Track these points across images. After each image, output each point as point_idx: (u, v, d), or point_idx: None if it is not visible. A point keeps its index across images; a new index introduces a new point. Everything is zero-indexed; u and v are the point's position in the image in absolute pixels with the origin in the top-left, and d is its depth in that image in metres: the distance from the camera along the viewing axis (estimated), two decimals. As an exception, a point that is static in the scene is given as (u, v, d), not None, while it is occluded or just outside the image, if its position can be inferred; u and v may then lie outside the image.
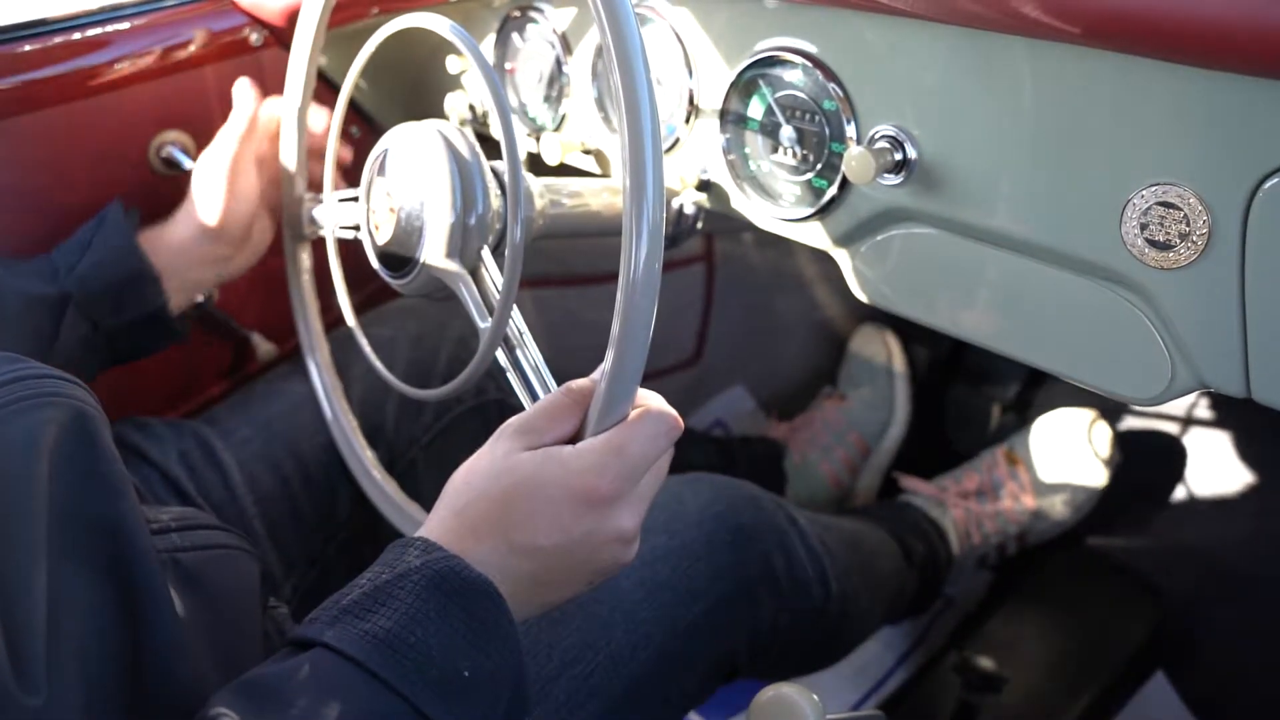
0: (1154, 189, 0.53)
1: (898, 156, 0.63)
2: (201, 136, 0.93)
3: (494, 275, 0.64)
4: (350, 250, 0.76)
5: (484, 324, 0.61)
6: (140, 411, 0.87)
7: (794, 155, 0.71)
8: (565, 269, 1.35)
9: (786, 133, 0.70)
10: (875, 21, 0.63)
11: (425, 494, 0.69)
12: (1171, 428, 1.25)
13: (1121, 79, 0.53)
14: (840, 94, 0.66)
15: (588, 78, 0.83)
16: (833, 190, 0.68)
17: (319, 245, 0.87)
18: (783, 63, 0.69)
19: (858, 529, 1.03)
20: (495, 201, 0.65)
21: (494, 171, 0.66)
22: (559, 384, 0.56)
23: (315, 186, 0.83)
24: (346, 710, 0.43)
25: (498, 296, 0.60)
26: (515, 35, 0.88)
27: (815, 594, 0.85)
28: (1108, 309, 0.58)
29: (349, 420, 0.83)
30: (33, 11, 0.83)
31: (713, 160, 0.76)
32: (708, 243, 1.45)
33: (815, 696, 0.53)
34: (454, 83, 0.91)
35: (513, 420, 0.54)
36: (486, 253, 0.64)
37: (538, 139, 0.84)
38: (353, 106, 1.04)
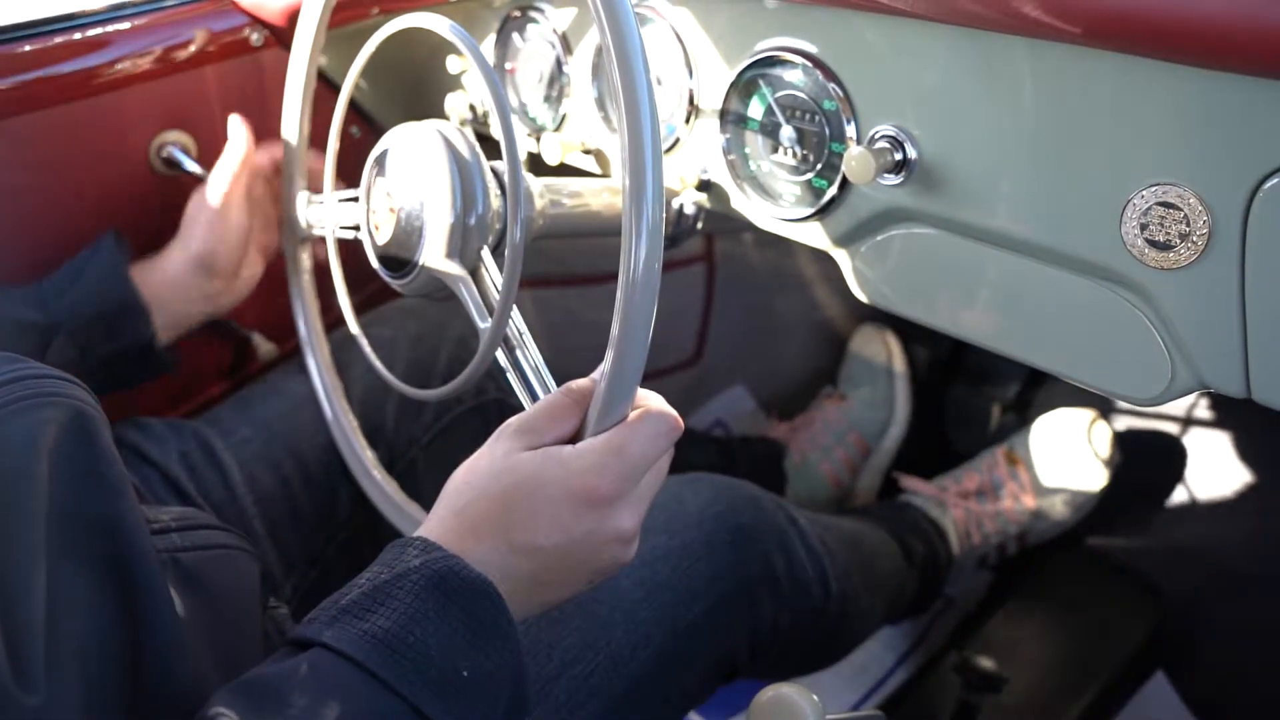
0: (1154, 189, 0.53)
1: (898, 156, 0.63)
2: (202, 136, 0.93)
3: (494, 275, 0.64)
4: (350, 250, 0.76)
5: (484, 324, 0.61)
6: (140, 411, 0.87)
7: (794, 155, 0.71)
8: (565, 269, 1.35)
9: (786, 133, 0.70)
10: (875, 21, 0.63)
11: (425, 494, 0.69)
12: (1171, 428, 1.25)
13: (1121, 79, 0.53)
14: (840, 94, 0.66)
15: (588, 78, 0.83)
16: (833, 190, 0.68)
17: (319, 245, 0.87)
18: (783, 63, 0.69)
19: (858, 529, 1.03)
20: (495, 201, 0.65)
21: (494, 171, 0.66)
22: (559, 384, 0.56)
23: (315, 187, 0.84)
24: (345, 710, 0.43)
25: (498, 297, 0.60)
26: (515, 35, 0.88)
27: (815, 594, 0.85)
28: (1108, 309, 0.58)
29: (349, 420, 0.83)
30: (33, 11, 0.83)
31: (713, 160, 0.76)
32: (708, 243, 1.45)
33: (815, 696, 0.53)
34: (454, 83, 0.91)
35: (513, 420, 0.54)
36: (486, 253, 0.64)
37: (538, 139, 0.84)
38: (353, 106, 1.04)
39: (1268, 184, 0.49)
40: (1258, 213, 0.50)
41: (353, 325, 0.75)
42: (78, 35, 0.84)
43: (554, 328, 1.29)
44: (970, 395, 1.41)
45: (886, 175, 0.64)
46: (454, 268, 0.63)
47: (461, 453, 0.55)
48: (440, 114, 0.86)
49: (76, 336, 0.77)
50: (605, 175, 0.86)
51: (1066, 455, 1.21)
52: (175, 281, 0.83)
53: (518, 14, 0.87)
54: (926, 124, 0.62)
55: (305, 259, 0.86)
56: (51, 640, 0.44)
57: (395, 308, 1.00)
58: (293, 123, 0.82)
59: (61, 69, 0.83)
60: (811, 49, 0.67)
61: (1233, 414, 1.20)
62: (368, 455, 0.81)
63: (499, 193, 0.65)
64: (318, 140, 0.85)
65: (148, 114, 0.89)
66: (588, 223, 0.76)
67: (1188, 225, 0.52)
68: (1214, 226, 0.51)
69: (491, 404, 0.96)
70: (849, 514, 1.17)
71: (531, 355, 0.61)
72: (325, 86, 0.87)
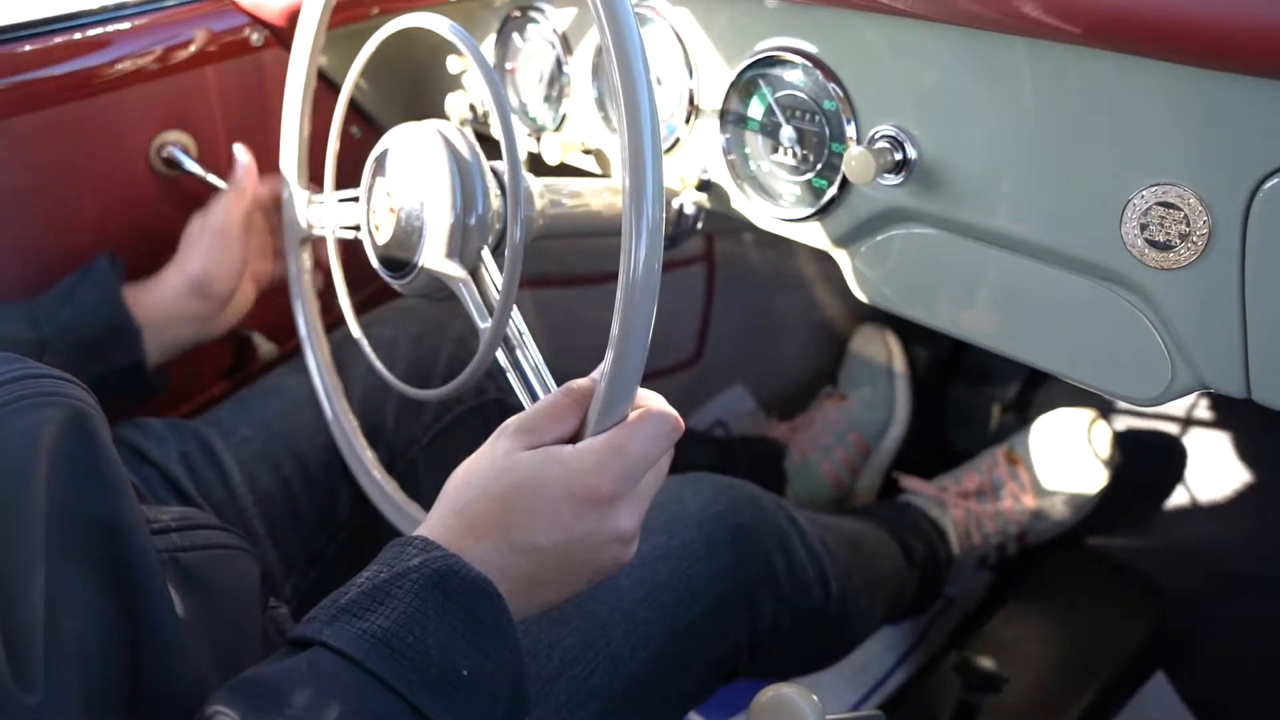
0: (1154, 189, 0.53)
1: (898, 156, 0.63)
2: (202, 136, 0.93)
3: (494, 275, 0.64)
4: (350, 250, 0.76)
5: (484, 324, 0.61)
6: (140, 411, 0.87)
7: (794, 155, 0.71)
8: (565, 269, 1.35)
9: (786, 133, 0.70)
10: (875, 21, 0.63)
11: (425, 494, 0.69)
12: (1171, 428, 1.25)
13: (1121, 79, 0.53)
14: (840, 94, 0.66)
15: (588, 78, 0.83)
16: (833, 190, 0.68)
17: (319, 245, 0.87)
18: (783, 63, 0.69)
19: (858, 529, 1.03)
20: (495, 201, 0.65)
21: (494, 171, 0.66)
22: (559, 384, 0.56)
23: (315, 186, 0.84)
24: (345, 709, 0.43)
25: (498, 297, 0.60)
26: (515, 35, 0.88)
27: (815, 594, 0.85)
28: (1108, 309, 0.58)
29: (349, 420, 0.82)
30: (33, 11, 0.83)
31: (713, 160, 0.76)
32: (708, 243, 1.45)
33: (815, 696, 0.53)
34: (454, 83, 0.91)
35: (513, 420, 0.54)
36: (486, 253, 0.64)
37: (538, 139, 0.84)
38: (353, 106, 1.04)
39: (1268, 184, 0.49)
40: (1258, 213, 0.50)
41: (353, 325, 0.75)
42: (78, 35, 0.84)
43: (554, 328, 1.29)
44: (970, 395, 1.41)
45: (886, 175, 0.64)
46: (454, 268, 0.63)
47: (462, 452, 0.55)
48: (440, 114, 0.86)
49: (67, 355, 0.77)
50: (605, 175, 0.86)
51: (1066, 455, 1.21)
52: (168, 303, 0.84)
53: (518, 14, 0.87)
54: (926, 124, 0.62)
55: (305, 259, 0.86)
56: (51, 640, 0.44)
57: (395, 308, 1.00)
58: (293, 123, 0.81)
59: (61, 69, 0.83)
60: (811, 49, 0.67)
61: (1233, 414, 1.20)
62: (368, 455, 0.81)
63: (499, 193, 0.65)
64: (318, 140, 0.85)
65: (148, 114, 0.89)
66: (588, 223, 0.76)
67: (1188, 225, 0.52)
68: (1214, 226, 0.51)
69: (491, 404, 0.96)
70: (849, 514, 1.17)
71: (531, 355, 0.61)
72: (325, 86, 0.87)
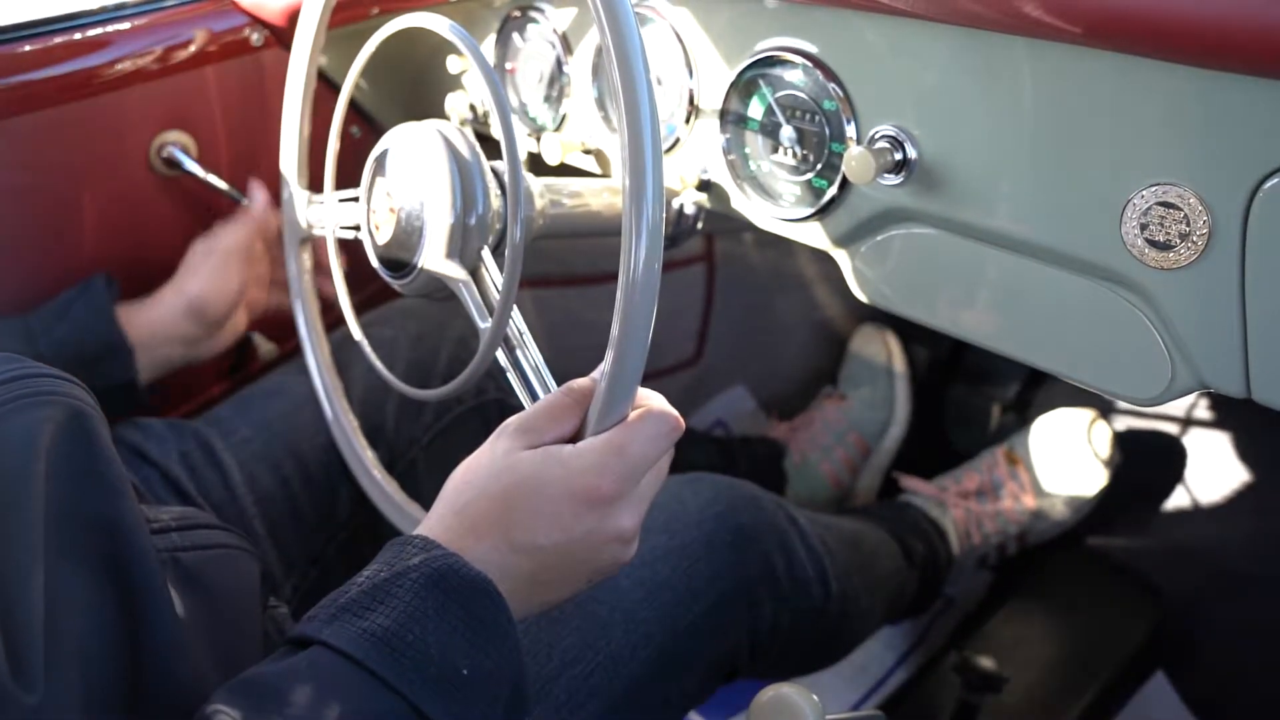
0: (1154, 189, 0.53)
1: (898, 156, 0.63)
2: (202, 136, 0.93)
3: (494, 275, 0.64)
4: (350, 250, 0.76)
5: (484, 324, 0.61)
6: (140, 411, 0.87)
7: (794, 155, 0.71)
8: (565, 269, 1.35)
9: (786, 133, 0.70)
10: (875, 21, 0.63)
11: (425, 494, 0.69)
12: (1171, 428, 1.25)
13: (1121, 79, 0.53)
14: (840, 94, 0.66)
15: (588, 78, 0.83)
16: (833, 190, 0.68)
17: (319, 245, 0.87)
18: (783, 63, 0.69)
19: (858, 529, 1.03)
20: (495, 201, 0.65)
21: (494, 171, 0.66)
22: (559, 384, 0.56)
23: (315, 186, 0.84)
24: (345, 708, 0.43)
25: (498, 297, 0.60)
26: (515, 35, 0.88)
27: (815, 594, 0.85)
28: (1108, 309, 0.58)
29: (349, 420, 0.82)
30: (33, 11, 0.83)
31: (713, 160, 0.76)
32: (708, 243, 1.45)
33: (815, 696, 0.53)
34: (454, 83, 0.91)
35: (513, 419, 0.54)
36: (486, 253, 0.64)
37: (538, 139, 0.84)
38: (353, 106, 1.04)
39: (1268, 184, 0.49)
40: (1258, 213, 0.50)
41: (353, 325, 0.75)
42: (78, 35, 0.84)
43: (554, 328, 1.29)
44: (970, 395, 1.41)
45: (886, 175, 0.64)
46: (454, 268, 0.63)
47: (462, 452, 0.55)
48: (440, 114, 0.86)
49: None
50: (605, 175, 0.86)
51: (1066, 455, 1.21)
52: (163, 322, 0.84)
53: (518, 14, 0.87)
54: (926, 124, 0.62)
55: (305, 259, 0.86)
56: (51, 639, 0.44)
57: (395, 308, 1.00)
58: (293, 123, 0.82)
59: (61, 69, 0.83)
60: (811, 49, 0.67)
61: (1233, 414, 1.20)
62: (368, 455, 0.81)
63: (499, 193, 0.65)
64: (318, 140, 0.85)
65: (148, 114, 0.89)
66: (588, 223, 0.76)
67: (1188, 225, 0.52)
68: (1214, 226, 0.51)
69: (491, 404, 0.96)
70: (849, 514, 1.17)
71: (531, 355, 0.61)
72: (325, 86, 0.87)
